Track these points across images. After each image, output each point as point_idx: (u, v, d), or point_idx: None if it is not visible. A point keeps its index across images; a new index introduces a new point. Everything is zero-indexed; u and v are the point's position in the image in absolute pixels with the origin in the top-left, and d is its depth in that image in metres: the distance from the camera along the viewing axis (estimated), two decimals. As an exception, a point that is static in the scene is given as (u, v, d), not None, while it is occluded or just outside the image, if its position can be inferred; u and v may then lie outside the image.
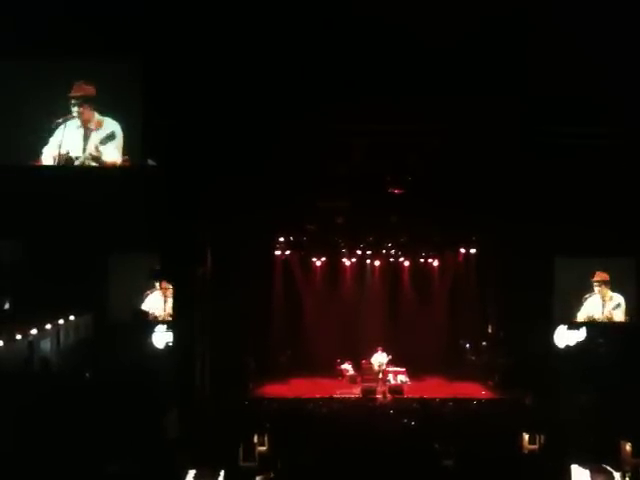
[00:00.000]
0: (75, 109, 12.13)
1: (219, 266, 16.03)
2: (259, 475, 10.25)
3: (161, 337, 17.39)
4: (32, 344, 16.18)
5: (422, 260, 22.66)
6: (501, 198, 16.02)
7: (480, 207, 16.64)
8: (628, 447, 11.28)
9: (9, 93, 12.24)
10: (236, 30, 12.25)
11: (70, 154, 12.21)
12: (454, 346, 22.11)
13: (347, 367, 21.20)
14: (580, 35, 11.99)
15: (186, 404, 13.74)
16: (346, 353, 21.46)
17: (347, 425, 13.82)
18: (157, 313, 17.52)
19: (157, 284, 17.23)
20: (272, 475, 10.30)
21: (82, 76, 12.14)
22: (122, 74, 12.16)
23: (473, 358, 21.54)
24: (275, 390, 19.43)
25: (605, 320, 17.57)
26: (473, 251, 21.83)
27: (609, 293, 17.56)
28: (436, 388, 19.70)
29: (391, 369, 20.17)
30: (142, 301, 17.58)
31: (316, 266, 22.65)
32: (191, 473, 8.47)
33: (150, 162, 12.71)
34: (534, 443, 12.45)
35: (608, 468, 8.73)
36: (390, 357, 20.05)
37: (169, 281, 16.16)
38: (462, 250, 22.04)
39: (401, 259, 22.56)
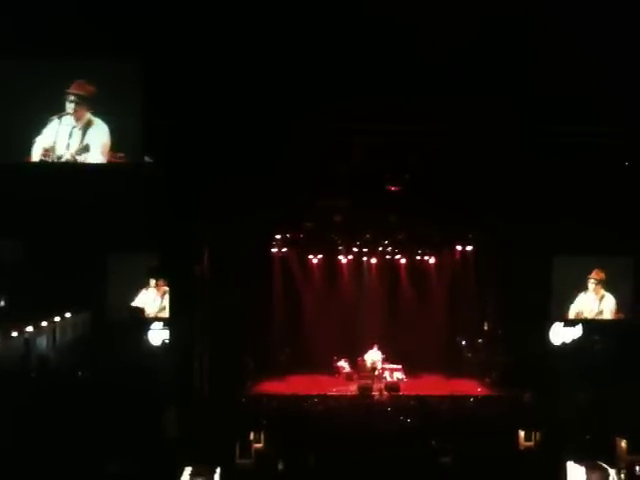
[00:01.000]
0: (71, 106, 12.14)
1: (217, 265, 16.04)
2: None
3: (157, 334, 17.39)
4: (28, 341, 16.18)
5: (419, 258, 22.66)
6: (500, 197, 16.04)
7: (478, 206, 16.67)
8: (623, 444, 11.34)
9: (9, 91, 12.24)
10: (236, 29, 12.26)
11: (59, 151, 12.23)
12: (451, 343, 22.11)
13: (343, 364, 21.19)
14: (579, 35, 12.02)
15: (184, 402, 13.76)
16: (343, 350, 21.47)
17: (343, 422, 13.85)
18: (149, 310, 17.49)
19: (153, 281, 17.21)
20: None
21: (82, 75, 12.15)
22: (123, 74, 12.17)
23: (470, 355, 21.56)
24: (271, 387, 19.43)
25: (596, 317, 17.62)
26: (470, 248, 21.84)
27: (602, 291, 17.61)
28: (433, 385, 19.71)
29: (387, 366, 20.18)
30: (135, 298, 17.57)
31: (313, 264, 22.66)
32: (188, 470, 8.48)
33: (147, 159, 12.71)
34: (530, 440, 12.50)
35: (603, 465, 8.76)
36: (384, 355, 20.09)
37: (166, 279, 16.17)
38: (459, 248, 22.04)
39: (398, 257, 22.57)
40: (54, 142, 12.20)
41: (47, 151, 12.21)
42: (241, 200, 15.68)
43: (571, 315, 17.61)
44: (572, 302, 17.63)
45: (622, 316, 17.51)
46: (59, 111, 12.18)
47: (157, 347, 17.22)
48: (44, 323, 17.01)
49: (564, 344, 17.79)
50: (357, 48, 12.46)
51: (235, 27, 12.25)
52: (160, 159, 13.14)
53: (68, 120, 12.20)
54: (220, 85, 12.83)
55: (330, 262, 22.59)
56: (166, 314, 16.48)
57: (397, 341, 21.10)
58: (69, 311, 18.08)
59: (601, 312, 17.57)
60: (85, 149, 12.23)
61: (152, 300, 17.42)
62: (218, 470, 8.62)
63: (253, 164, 14.30)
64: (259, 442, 12.07)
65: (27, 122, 12.22)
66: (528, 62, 12.67)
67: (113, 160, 12.20)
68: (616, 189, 14.81)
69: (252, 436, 12.05)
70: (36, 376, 15.11)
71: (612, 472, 8.71)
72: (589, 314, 17.58)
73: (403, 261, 22.62)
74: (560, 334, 17.84)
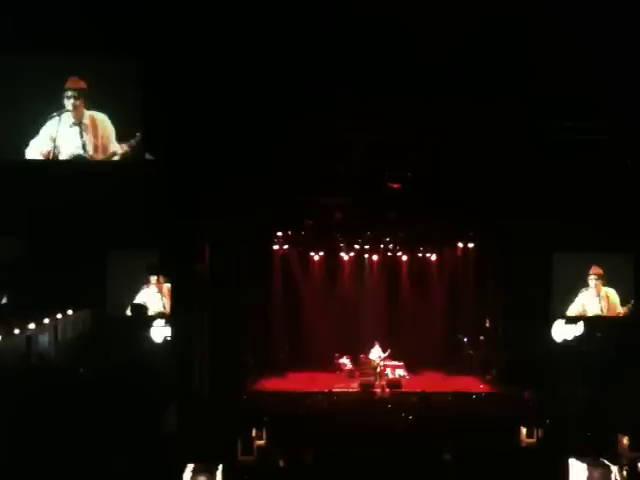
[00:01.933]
0: (70, 102, 12.12)
1: (218, 262, 16.04)
2: None
3: (159, 331, 17.38)
4: (30, 339, 16.17)
5: (420, 255, 22.66)
6: (499, 195, 16.03)
7: (479, 204, 16.66)
8: (625, 441, 11.34)
9: (6, 88, 12.23)
10: (236, 27, 12.25)
11: (61, 148, 12.21)
12: (452, 341, 22.14)
13: (345, 361, 21.21)
14: (579, 31, 12.00)
15: (185, 399, 13.76)
16: (344, 347, 21.48)
17: (345, 419, 13.86)
18: (151, 307, 17.50)
19: (154, 278, 17.20)
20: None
21: (83, 73, 12.13)
22: (123, 71, 12.15)
23: (471, 352, 21.57)
24: (273, 384, 19.45)
25: (598, 314, 17.62)
26: (471, 246, 21.83)
27: (604, 288, 17.61)
28: (434, 382, 19.71)
29: (389, 363, 20.18)
30: (137, 295, 17.56)
31: (314, 261, 22.67)
32: (190, 467, 8.48)
33: (148, 156, 12.69)
34: (532, 437, 12.50)
35: (605, 462, 8.76)
36: (388, 351, 20.07)
37: (166, 276, 16.17)
38: (460, 245, 22.04)
39: (399, 254, 22.58)
40: (54, 139, 12.18)
41: (47, 149, 12.20)
42: (242, 198, 15.67)
43: (574, 312, 17.62)
44: (573, 299, 17.64)
45: (623, 312, 17.53)
46: (58, 108, 12.17)
47: (159, 344, 17.22)
48: (46, 320, 17.00)
49: (565, 341, 17.78)
50: (359, 47, 12.45)
51: (235, 25, 12.23)
52: (161, 157, 13.13)
53: (68, 117, 12.19)
54: (220, 83, 12.82)
55: (331, 259, 22.60)
56: (167, 311, 16.49)
57: (398, 338, 21.10)
58: (70, 308, 18.07)
59: (603, 308, 17.58)
60: (86, 145, 12.22)
61: (153, 297, 17.42)
62: (220, 467, 8.62)
63: (254, 162, 14.29)
64: (261, 439, 12.08)
65: (25, 120, 12.21)
66: (526, 60, 12.65)
67: (122, 151, 12.18)
68: (616, 186, 14.81)
69: (254, 433, 12.05)
70: (37, 373, 15.10)
71: (614, 469, 8.71)
72: (591, 311, 17.58)
73: (404, 258, 22.63)
74: (561, 331, 17.84)
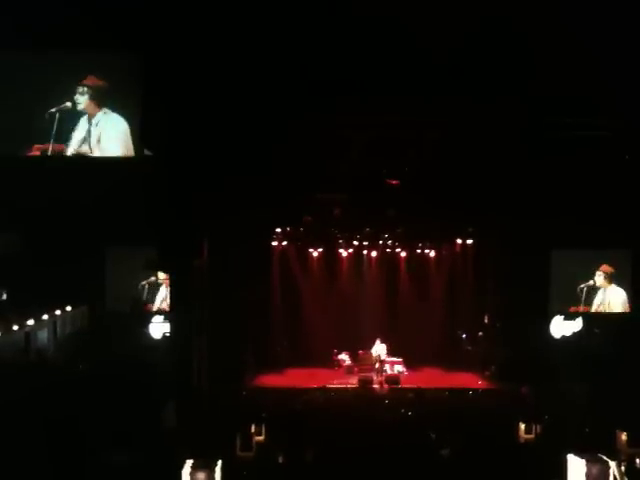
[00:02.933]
0: (82, 99, 12.11)
1: (217, 258, 16.03)
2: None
3: (158, 327, 17.41)
4: (29, 335, 16.17)
5: (419, 251, 22.68)
6: (498, 191, 16.05)
7: (478, 200, 16.67)
8: (624, 437, 11.34)
9: (12, 84, 12.22)
10: (235, 26, 12.24)
11: (71, 145, 12.21)
12: (451, 336, 22.18)
13: (344, 357, 21.25)
14: (579, 29, 12.00)
15: (184, 395, 13.77)
16: (343, 344, 21.51)
17: (344, 415, 13.86)
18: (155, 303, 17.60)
19: (162, 275, 17.25)
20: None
21: (87, 71, 12.13)
22: (125, 69, 12.14)
23: (470, 348, 21.61)
24: (272, 380, 19.48)
25: (601, 311, 17.68)
26: (470, 242, 21.84)
27: (610, 285, 17.68)
28: (433, 378, 19.76)
29: (388, 359, 20.22)
30: (143, 292, 17.62)
31: (313, 257, 22.68)
32: (189, 463, 8.48)
33: (147, 152, 12.69)
34: (530, 433, 12.50)
35: (604, 457, 8.75)
36: (387, 348, 20.10)
37: (165, 272, 16.18)
38: (459, 241, 22.06)
39: (398, 250, 22.59)
40: (54, 137, 12.18)
41: (47, 145, 12.19)
42: (241, 194, 15.66)
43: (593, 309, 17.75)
44: (572, 296, 17.69)
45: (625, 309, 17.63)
46: (64, 106, 12.16)
47: (157, 340, 17.25)
48: (45, 316, 17.01)
49: (564, 337, 17.81)
50: (360, 46, 12.44)
51: (235, 23, 12.22)
52: (160, 153, 13.12)
53: (80, 114, 12.18)
54: (219, 80, 12.81)
55: (330, 255, 22.61)
56: (167, 307, 16.53)
57: (397, 334, 21.14)
58: (69, 304, 18.08)
59: (613, 305, 17.68)
60: (98, 142, 12.22)
61: (157, 292, 17.52)
62: (219, 463, 8.61)
63: (253, 158, 14.29)
64: (260, 435, 12.09)
65: (28, 116, 12.20)
66: (526, 60, 12.66)
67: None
68: (615, 183, 14.82)
69: (253, 429, 12.06)
70: (35, 369, 15.11)
71: (613, 465, 8.70)
72: (598, 308, 17.70)
73: (403, 254, 22.64)
74: (560, 327, 17.87)
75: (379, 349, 19.98)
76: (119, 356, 15.10)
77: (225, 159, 14.06)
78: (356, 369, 20.45)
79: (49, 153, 12.20)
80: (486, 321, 21.20)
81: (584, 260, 17.81)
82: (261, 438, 12.05)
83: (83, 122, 12.22)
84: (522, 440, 12.47)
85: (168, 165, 13.61)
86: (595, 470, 8.55)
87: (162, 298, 17.52)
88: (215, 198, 15.15)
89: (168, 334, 15.89)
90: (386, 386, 18.87)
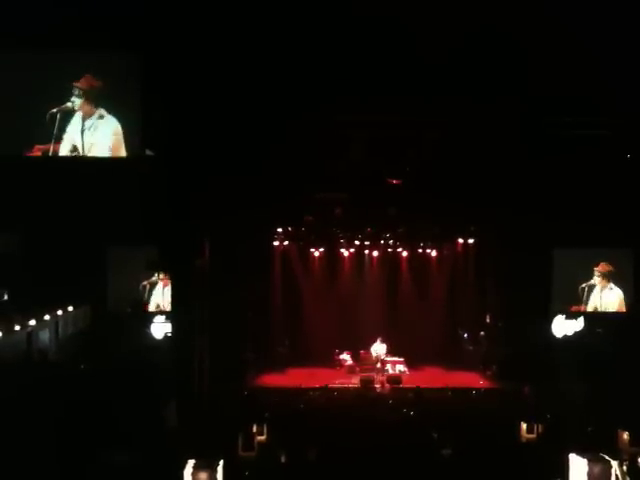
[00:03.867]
0: (77, 100, 12.10)
1: (218, 258, 16.03)
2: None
3: (159, 327, 17.41)
4: (31, 335, 16.17)
5: (420, 250, 22.68)
6: (500, 191, 16.04)
7: (479, 199, 16.67)
8: (626, 436, 11.36)
9: (10, 84, 12.21)
10: (235, 24, 12.24)
11: (67, 145, 12.20)
12: (452, 336, 22.19)
13: (345, 357, 21.24)
14: (578, 27, 11.99)
15: (185, 395, 13.77)
16: (345, 343, 21.51)
17: (346, 415, 13.86)
18: (158, 303, 17.60)
19: (161, 275, 17.25)
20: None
21: (85, 70, 12.11)
22: (123, 69, 12.13)
23: (471, 348, 21.60)
24: (274, 380, 19.48)
25: (601, 310, 17.67)
26: (471, 241, 21.84)
27: (608, 284, 17.64)
28: (434, 378, 19.75)
29: (389, 359, 20.22)
30: (144, 292, 17.63)
31: (314, 257, 22.68)
32: (190, 463, 8.48)
33: (148, 152, 12.69)
34: (532, 432, 12.50)
35: (606, 457, 8.75)
36: (387, 348, 20.09)
37: (166, 273, 16.18)
38: (460, 240, 22.06)
39: (399, 249, 22.59)
40: (55, 138, 12.18)
41: (48, 146, 12.19)
42: (241, 194, 15.67)
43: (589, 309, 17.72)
44: (573, 295, 17.68)
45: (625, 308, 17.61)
46: (62, 105, 12.15)
47: (159, 340, 17.25)
48: (46, 317, 17.01)
49: (566, 336, 17.80)
50: (357, 46, 12.44)
51: (234, 22, 12.22)
52: (160, 153, 13.13)
53: (75, 114, 12.18)
54: (219, 80, 12.81)
55: (331, 255, 22.61)
56: (168, 307, 16.52)
57: (398, 333, 21.14)
58: (71, 304, 18.09)
59: (608, 304, 17.65)
60: (93, 144, 12.21)
61: (159, 293, 17.53)
62: (221, 463, 8.62)
63: (253, 158, 14.28)
64: (262, 435, 12.09)
65: (27, 116, 12.19)
66: (526, 59, 12.66)
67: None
68: (616, 181, 14.82)
69: (255, 429, 12.06)
70: (37, 369, 15.11)
71: (614, 464, 8.70)
72: (597, 307, 17.68)
73: (404, 254, 22.64)
74: (562, 326, 17.86)
75: (379, 349, 19.97)
76: (121, 356, 15.10)
77: (225, 159, 14.06)
78: (358, 369, 20.44)
79: (50, 153, 12.19)
80: (487, 320, 21.20)
81: (585, 259, 17.80)
82: (263, 438, 12.06)
83: (77, 122, 12.20)
84: (524, 440, 12.47)
85: (169, 165, 13.61)
86: (597, 470, 8.55)
87: (157, 297, 17.53)
88: (216, 198, 15.15)
89: (170, 334, 15.89)
90: (388, 386, 18.86)
